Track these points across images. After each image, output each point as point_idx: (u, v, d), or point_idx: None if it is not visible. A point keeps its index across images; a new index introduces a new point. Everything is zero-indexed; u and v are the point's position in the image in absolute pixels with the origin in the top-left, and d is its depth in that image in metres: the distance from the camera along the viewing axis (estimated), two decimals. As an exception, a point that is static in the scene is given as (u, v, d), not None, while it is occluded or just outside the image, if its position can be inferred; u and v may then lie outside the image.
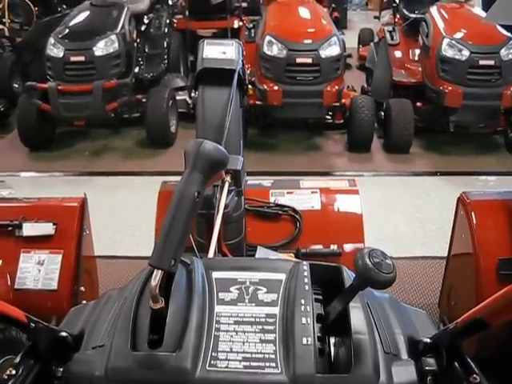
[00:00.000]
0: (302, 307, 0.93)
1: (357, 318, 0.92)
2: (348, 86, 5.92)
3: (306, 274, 1.00)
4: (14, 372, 0.89)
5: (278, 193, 2.60)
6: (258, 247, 2.01)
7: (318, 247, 2.46)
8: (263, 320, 0.93)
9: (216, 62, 2.24)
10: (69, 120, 5.35)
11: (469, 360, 0.91)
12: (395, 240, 3.96)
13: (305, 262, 1.04)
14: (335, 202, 2.60)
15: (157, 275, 0.89)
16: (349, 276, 1.02)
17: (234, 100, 2.07)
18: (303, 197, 2.59)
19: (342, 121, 5.53)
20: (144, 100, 5.51)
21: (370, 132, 5.35)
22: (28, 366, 0.91)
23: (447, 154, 5.41)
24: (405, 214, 4.35)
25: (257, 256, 1.88)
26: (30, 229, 2.51)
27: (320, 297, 0.99)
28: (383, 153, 5.48)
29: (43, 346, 0.93)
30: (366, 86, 6.59)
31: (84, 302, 2.66)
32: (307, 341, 0.88)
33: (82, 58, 5.12)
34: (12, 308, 0.90)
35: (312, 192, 2.62)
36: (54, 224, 2.53)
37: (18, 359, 0.91)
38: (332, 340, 0.94)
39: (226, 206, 1.80)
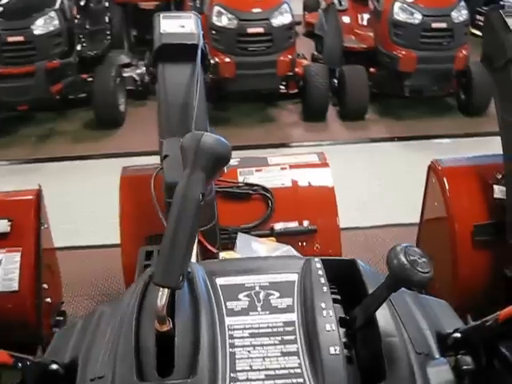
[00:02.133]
0: (324, 312, 0.83)
1: (383, 318, 0.83)
2: (298, 54, 5.82)
3: (320, 272, 0.90)
4: None
5: (247, 171, 2.49)
6: (238, 234, 1.90)
7: (293, 225, 2.38)
8: (281, 329, 0.83)
9: (176, 37, 2.11)
10: (11, 105, 5.06)
11: (508, 355, 0.83)
12: (360, 209, 3.92)
13: (316, 259, 0.94)
14: (306, 177, 2.52)
15: (163, 294, 0.77)
16: (365, 270, 0.92)
17: (198, 77, 1.94)
18: (273, 174, 2.51)
19: (296, 90, 5.44)
20: (90, 79, 5.27)
21: (325, 100, 5.29)
22: None
23: (402, 119, 5.41)
24: (366, 181, 4.32)
25: (238, 244, 1.77)
26: (-18, 228, 2.34)
27: (338, 297, 0.90)
28: (339, 121, 5.43)
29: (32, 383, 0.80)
30: (316, 53, 6.50)
31: (48, 299, 2.53)
32: (335, 350, 0.79)
33: (20, 38, 4.82)
34: None
35: (281, 168, 2.53)
36: (8, 220, 2.38)
37: None
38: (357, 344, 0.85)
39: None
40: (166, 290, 0.78)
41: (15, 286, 2.34)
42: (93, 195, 4.07)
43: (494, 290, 2.37)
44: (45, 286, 2.47)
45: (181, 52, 2.03)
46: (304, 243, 2.35)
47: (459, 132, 5.11)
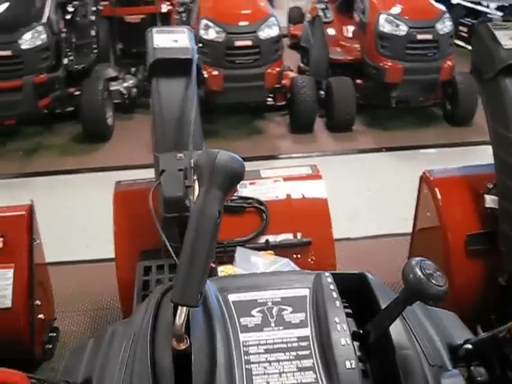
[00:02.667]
0: (338, 326, 0.83)
1: (397, 331, 0.84)
2: (285, 67, 5.84)
3: (332, 287, 0.90)
4: None
5: (240, 184, 2.49)
6: (237, 248, 1.90)
7: (287, 237, 2.39)
8: (296, 345, 0.83)
9: (169, 52, 2.12)
10: (-2, 120, 5.03)
11: None
12: (349, 220, 3.93)
13: (327, 273, 0.94)
14: (299, 189, 2.53)
15: (182, 313, 0.77)
16: (376, 283, 0.93)
17: (194, 91, 1.95)
18: (266, 186, 2.51)
19: (283, 102, 5.47)
20: (77, 93, 5.25)
21: (313, 112, 5.32)
22: None
23: (390, 130, 5.46)
24: (355, 192, 4.34)
25: (237, 258, 1.77)
26: (-26, 244, 2.32)
27: (350, 311, 0.90)
28: (326, 132, 5.46)
29: None
30: (302, 65, 6.55)
31: (41, 315, 2.51)
32: (351, 364, 0.79)
33: (7, 53, 4.79)
34: (12, 372, 0.75)
35: (275, 181, 2.54)
36: (1, 236, 2.35)
37: None
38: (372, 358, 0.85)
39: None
40: (185, 308, 0.78)
41: (8, 303, 2.32)
42: (82, 209, 4.05)
43: (487, 299, 2.39)
44: (37, 302, 2.45)
45: (175, 67, 2.04)
46: (299, 255, 2.35)
47: (445, 142, 5.17)
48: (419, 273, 0.77)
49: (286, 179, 2.54)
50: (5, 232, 2.39)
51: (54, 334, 2.70)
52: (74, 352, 1.00)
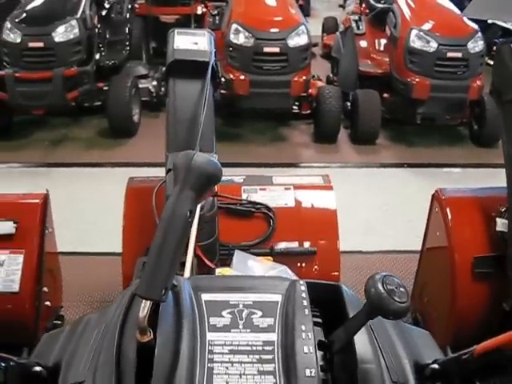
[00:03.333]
0: (303, 334, 0.84)
1: (362, 345, 0.85)
2: (313, 76, 5.85)
3: (303, 295, 0.92)
4: None
5: (251, 189, 2.51)
6: (236, 251, 1.92)
7: (293, 245, 2.39)
8: (260, 348, 0.84)
9: (188, 54, 2.14)
10: (27, 109, 5.14)
11: None
12: (364, 234, 3.93)
13: (301, 281, 0.95)
14: (309, 198, 2.53)
15: (145, 306, 0.80)
16: (349, 296, 0.94)
17: (207, 94, 1.97)
18: (276, 193, 2.52)
19: (308, 111, 5.47)
20: (106, 88, 5.32)
21: (337, 123, 5.31)
22: None
23: (414, 146, 5.42)
24: (373, 206, 4.32)
25: (234, 261, 1.79)
26: (-12, 228, 2.37)
27: (319, 320, 0.91)
28: (350, 144, 5.45)
29: None
30: (331, 75, 6.54)
31: (47, 303, 2.56)
32: (311, 372, 0.80)
33: (40, 44, 4.90)
34: None
35: (285, 188, 2.55)
36: (14, 222, 2.42)
37: None
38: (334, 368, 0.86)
39: (201, 208, 1.71)
40: (149, 302, 0.80)
41: (16, 288, 2.36)
42: (101, 203, 4.11)
43: (490, 323, 2.36)
44: (45, 289, 2.50)
45: (192, 68, 2.06)
46: (303, 264, 2.36)
47: (470, 162, 5.11)
48: (381, 288, 0.78)
49: (296, 187, 2.55)
50: (18, 218, 2.44)
51: (59, 322, 2.74)
52: (49, 336, 1.03)
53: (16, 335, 2.37)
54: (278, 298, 0.92)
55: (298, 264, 2.33)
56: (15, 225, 2.42)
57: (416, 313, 2.81)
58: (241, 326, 0.87)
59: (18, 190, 2.70)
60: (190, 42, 2.21)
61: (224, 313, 0.89)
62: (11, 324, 2.36)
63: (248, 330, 0.87)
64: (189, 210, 0.85)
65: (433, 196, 2.62)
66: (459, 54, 4.96)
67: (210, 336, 0.86)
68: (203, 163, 0.88)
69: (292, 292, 0.92)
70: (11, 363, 0.82)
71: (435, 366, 0.89)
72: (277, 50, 4.98)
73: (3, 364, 0.80)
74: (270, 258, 2.14)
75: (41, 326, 2.52)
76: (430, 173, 4.92)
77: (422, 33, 5.08)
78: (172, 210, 0.84)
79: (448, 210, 2.48)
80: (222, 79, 4.67)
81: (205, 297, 0.92)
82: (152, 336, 0.81)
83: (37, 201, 2.51)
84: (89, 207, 4.13)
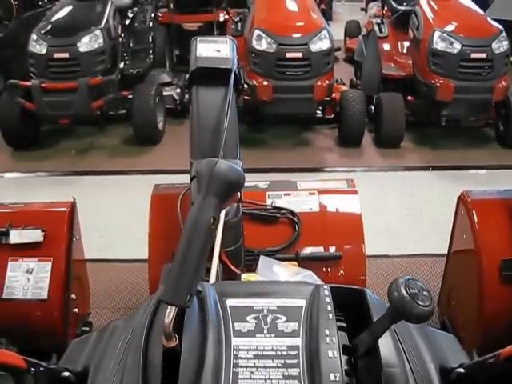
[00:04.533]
0: (327, 339, 0.85)
1: (386, 349, 0.84)
2: (337, 80, 5.85)
3: (327, 300, 0.92)
4: None
5: (275, 195, 2.52)
6: (261, 257, 1.92)
7: (318, 250, 2.39)
8: (285, 353, 0.85)
9: (210, 61, 2.16)
10: (53, 118, 5.23)
11: None
12: (389, 237, 3.90)
13: (325, 286, 0.96)
14: (334, 203, 2.53)
15: (171, 312, 0.81)
16: (373, 300, 0.94)
17: (230, 101, 1.98)
18: (301, 198, 2.52)
19: (332, 115, 5.47)
20: (130, 96, 5.39)
21: (361, 127, 5.29)
22: None
23: (439, 148, 5.37)
24: (398, 210, 4.30)
25: (259, 267, 1.79)
26: (17, 236, 2.42)
27: (344, 324, 0.91)
28: (374, 147, 5.42)
29: None
30: (354, 79, 6.53)
31: (75, 309, 2.59)
32: (335, 377, 0.80)
33: (66, 55, 4.99)
34: (9, 354, 0.80)
35: (310, 193, 2.54)
36: (42, 231, 2.45)
37: None
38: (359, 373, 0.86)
39: (225, 214, 1.72)
40: (174, 307, 0.81)
41: (44, 295, 2.39)
42: (126, 210, 4.15)
43: (519, 327, 2.33)
44: (73, 296, 2.53)
45: (214, 76, 2.08)
46: (329, 269, 2.35)
47: (496, 163, 5.05)
48: (404, 292, 0.78)
49: (321, 192, 2.54)
50: (46, 226, 2.47)
51: (87, 329, 2.77)
52: (77, 342, 1.05)
53: (45, 342, 2.41)
54: (302, 302, 0.92)
55: (324, 269, 2.33)
56: (43, 233, 2.45)
57: (444, 316, 2.78)
58: (265, 331, 0.88)
59: (46, 199, 2.74)
60: (213, 50, 2.22)
61: (249, 318, 0.90)
62: (40, 331, 2.40)
63: (272, 335, 0.87)
64: (212, 216, 0.86)
65: (458, 198, 2.59)
66: (483, 55, 4.91)
67: (234, 341, 0.86)
68: (226, 170, 0.89)
69: (316, 296, 0.93)
70: (41, 368, 0.84)
71: (461, 370, 0.89)
72: (299, 55, 4.98)
73: (33, 369, 0.81)
74: (295, 263, 2.15)
75: (69, 332, 2.55)
76: (456, 175, 4.87)
77: (445, 34, 5.04)
78: (195, 218, 0.86)
79: (474, 212, 2.46)
80: (245, 85, 4.70)
81: (229, 302, 0.93)
82: (177, 342, 0.82)
83: (64, 209, 2.55)
84: (115, 214, 4.18)
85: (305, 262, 2.28)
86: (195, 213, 0.86)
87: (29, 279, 2.41)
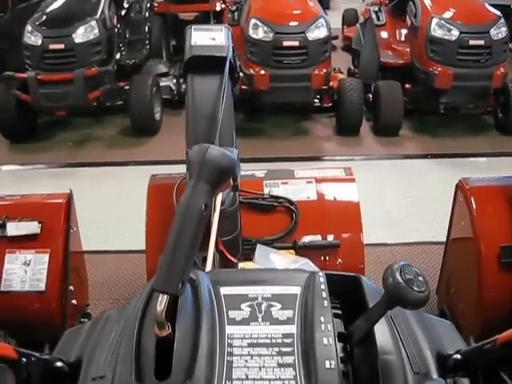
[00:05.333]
0: (323, 326, 0.84)
1: (382, 336, 0.83)
2: (334, 68, 5.82)
3: (323, 287, 0.91)
4: None
5: (272, 183, 2.51)
6: (258, 245, 1.91)
7: (316, 239, 2.38)
8: (280, 341, 0.84)
9: (205, 50, 2.14)
10: (50, 110, 5.20)
11: (509, 381, 0.82)
12: (388, 225, 3.90)
13: (321, 273, 0.94)
14: (331, 191, 2.51)
15: (162, 300, 0.80)
16: (369, 287, 0.93)
17: (225, 89, 1.97)
18: (298, 187, 2.51)
19: (330, 104, 5.44)
20: (127, 87, 5.36)
21: (359, 115, 5.27)
22: None
23: (437, 136, 5.35)
24: (397, 198, 4.29)
25: (256, 255, 1.78)
26: (14, 228, 2.41)
27: (339, 311, 0.90)
28: (372, 136, 5.40)
29: (37, 380, 0.83)
30: (352, 67, 6.50)
31: (74, 301, 2.58)
32: (330, 364, 0.79)
33: (61, 46, 4.95)
34: (2, 345, 0.79)
35: (307, 182, 2.53)
36: (39, 222, 2.44)
37: None
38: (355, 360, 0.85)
39: (222, 203, 1.71)
40: (166, 295, 0.80)
41: (42, 286, 2.39)
42: (124, 201, 4.14)
43: (518, 313, 2.32)
44: (71, 287, 2.52)
45: (210, 64, 2.06)
46: (327, 257, 2.34)
47: (495, 151, 5.03)
48: (399, 278, 0.77)
49: (318, 181, 2.53)
50: (43, 218, 2.46)
51: (86, 320, 2.76)
52: (71, 333, 1.04)
53: (43, 334, 2.39)
54: (296, 290, 0.91)
55: (322, 257, 2.32)
56: (40, 224, 2.44)
57: (442, 304, 2.78)
58: (260, 319, 0.87)
59: (43, 191, 2.73)
60: (208, 38, 2.21)
61: (243, 306, 0.89)
62: (39, 323, 2.39)
63: (267, 323, 0.86)
64: (204, 203, 0.84)
65: (457, 186, 2.58)
66: (482, 42, 4.88)
67: (229, 329, 0.85)
68: (217, 156, 0.88)
69: (311, 284, 0.92)
70: (32, 359, 0.83)
71: (457, 356, 0.88)
72: (296, 43, 4.95)
73: (24, 359, 0.80)
74: (293, 251, 2.14)
75: (68, 324, 2.55)
76: (455, 163, 4.85)
77: (443, 21, 5.00)
78: (186, 204, 0.84)
79: (472, 199, 2.45)
80: (241, 74, 4.68)
81: (223, 290, 0.92)
82: (170, 330, 0.81)
83: (60, 200, 2.54)
84: (113, 206, 4.17)
85: (303, 250, 2.27)
86: (186, 199, 0.85)
87: (26, 271, 2.40)
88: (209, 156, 0.87)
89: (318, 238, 2.38)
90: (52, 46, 4.96)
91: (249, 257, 2.10)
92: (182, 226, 0.83)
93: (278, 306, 0.89)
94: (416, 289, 0.76)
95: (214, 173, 0.87)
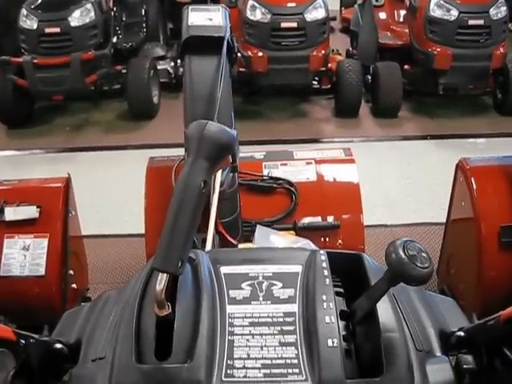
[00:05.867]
0: (324, 304, 0.83)
1: (385, 313, 0.82)
2: (333, 50, 5.78)
3: (324, 265, 0.90)
4: None
5: (272, 165, 2.49)
6: (258, 226, 1.91)
7: (316, 220, 2.37)
8: (281, 320, 0.83)
9: (203, 30, 2.11)
10: (47, 95, 5.17)
11: None
12: (388, 207, 3.89)
13: (322, 251, 0.93)
14: (331, 172, 2.50)
15: (162, 279, 0.78)
16: (371, 265, 0.92)
17: (223, 70, 1.94)
18: (298, 168, 2.50)
19: (328, 86, 5.42)
20: (124, 71, 5.32)
21: (358, 97, 5.24)
22: None
23: (437, 117, 5.33)
24: (396, 179, 4.28)
25: (256, 236, 1.78)
26: (12, 213, 2.40)
27: (341, 289, 0.89)
28: (371, 117, 5.38)
29: (36, 361, 0.82)
30: (351, 49, 6.45)
31: (74, 285, 2.58)
32: (333, 342, 0.78)
33: (57, 30, 4.91)
34: (0, 327, 0.78)
35: (307, 163, 2.52)
36: (37, 207, 2.43)
37: (9, 379, 0.78)
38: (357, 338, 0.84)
39: (221, 184, 1.70)
40: (165, 275, 0.79)
41: (42, 271, 2.39)
42: (121, 185, 4.13)
43: (519, 293, 2.32)
44: (71, 272, 2.52)
45: (207, 44, 2.04)
46: (327, 238, 2.34)
47: (494, 132, 5.01)
48: (402, 253, 0.76)
49: (318, 162, 2.52)
50: (41, 203, 2.45)
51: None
52: (70, 314, 1.03)
53: (44, 318, 2.39)
54: (298, 268, 0.90)
55: (322, 239, 2.32)
56: (38, 209, 2.43)
57: (443, 285, 2.78)
58: (261, 298, 0.86)
59: (41, 176, 2.72)
60: (205, 18, 2.18)
61: (243, 285, 0.88)
62: (39, 307, 2.39)
63: (268, 302, 0.85)
64: (203, 180, 0.83)
65: (457, 165, 2.57)
66: (481, 22, 4.84)
67: (229, 309, 0.84)
68: (216, 132, 0.86)
69: (312, 262, 0.91)
70: (31, 340, 0.82)
71: (461, 333, 0.87)
72: (294, 24, 4.91)
73: (23, 341, 0.80)
74: (292, 233, 2.13)
75: (68, 308, 2.54)
76: (454, 144, 4.84)
77: (442, 1, 4.95)
78: (185, 181, 0.83)
79: (473, 179, 2.44)
80: (239, 54, 4.64)
81: (224, 270, 0.91)
82: (170, 310, 0.81)
83: (59, 184, 2.53)
84: (111, 190, 4.15)
85: (303, 231, 2.26)
86: (185, 176, 0.83)
87: (25, 256, 2.40)
88: (207, 132, 0.86)
89: (318, 219, 2.37)
90: (48, 30, 4.91)
91: (248, 238, 2.10)
92: (180, 204, 0.82)
93: (279, 284, 0.88)
94: (419, 265, 0.75)
95: (213, 149, 0.85)
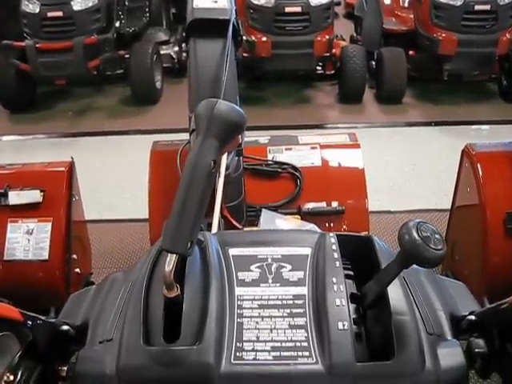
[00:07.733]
0: (335, 286, 0.82)
1: (396, 296, 0.81)
2: (337, 36, 5.74)
3: (334, 247, 0.88)
4: (12, 377, 0.76)
5: (276, 149, 2.48)
6: (263, 210, 1.89)
7: (320, 205, 2.36)
8: (291, 302, 0.82)
9: (208, 12, 2.09)
10: (49, 79, 5.14)
11: None
12: (392, 193, 3.88)
13: (331, 234, 0.92)
14: (336, 157, 2.49)
15: (171, 260, 0.77)
16: (381, 247, 0.91)
17: (229, 53, 1.92)
18: (303, 153, 2.48)
19: (332, 71, 5.39)
20: (127, 56, 5.29)
21: (362, 82, 5.22)
22: (28, 368, 0.78)
23: (441, 103, 5.31)
24: (400, 166, 4.26)
25: (261, 220, 1.76)
26: (15, 197, 2.39)
27: (351, 272, 0.88)
28: (375, 103, 5.36)
29: (43, 343, 0.81)
30: (355, 34, 6.42)
31: (77, 270, 2.58)
32: (343, 325, 0.77)
33: (59, 14, 4.88)
34: (5, 306, 0.77)
35: (311, 148, 2.50)
36: (41, 191, 2.42)
37: (15, 361, 0.77)
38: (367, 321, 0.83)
39: (226, 168, 1.68)
40: (174, 256, 0.78)
41: (45, 255, 2.38)
42: (125, 170, 4.12)
43: (524, 279, 2.31)
44: (74, 256, 2.51)
45: (212, 27, 2.01)
46: (331, 224, 2.33)
47: (499, 118, 4.98)
48: (415, 235, 0.74)
49: (323, 146, 2.50)
50: (45, 187, 2.44)
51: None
52: (76, 296, 1.02)
53: (47, 302, 2.39)
54: (307, 251, 0.89)
55: (326, 224, 2.30)
56: (42, 193, 2.42)
57: (447, 271, 2.77)
58: (270, 280, 0.85)
59: (44, 161, 2.70)
60: (210, 1, 2.15)
61: (252, 267, 0.87)
62: (42, 291, 2.39)
63: (278, 284, 0.84)
64: (212, 159, 0.82)
65: (463, 151, 2.55)
66: (487, 7, 4.79)
67: (238, 291, 0.83)
68: (226, 110, 0.85)
69: (322, 244, 0.90)
70: (38, 322, 0.81)
71: (472, 317, 0.86)
72: (298, 9, 4.88)
73: (30, 322, 0.79)
74: (298, 217, 2.12)
75: (71, 292, 2.54)
76: (458, 130, 4.82)
77: (447, -14, 4.91)
78: (195, 161, 0.81)
79: (479, 165, 2.41)
80: (244, 38, 4.61)
81: (232, 251, 0.89)
82: (179, 292, 0.80)
83: (62, 168, 2.51)
84: (114, 175, 4.14)
85: (307, 216, 2.25)
86: (195, 156, 0.81)
87: (29, 240, 2.39)
88: (217, 110, 0.84)
89: (323, 204, 2.36)
90: (50, 14, 4.88)
91: (253, 223, 2.09)
92: (190, 184, 0.80)
93: (289, 266, 0.87)
94: (433, 246, 0.74)
95: (224, 128, 0.83)
